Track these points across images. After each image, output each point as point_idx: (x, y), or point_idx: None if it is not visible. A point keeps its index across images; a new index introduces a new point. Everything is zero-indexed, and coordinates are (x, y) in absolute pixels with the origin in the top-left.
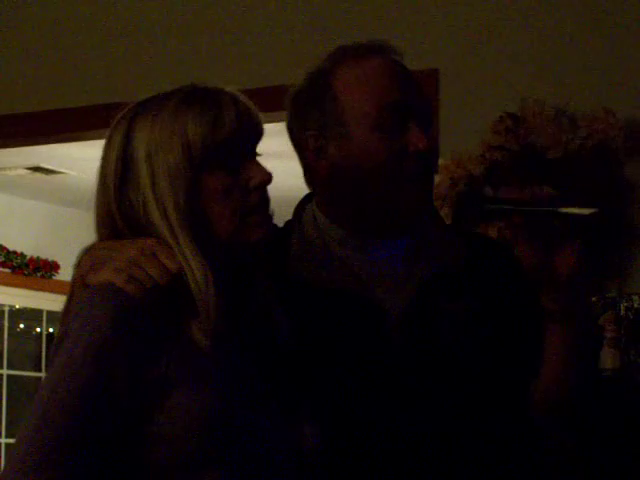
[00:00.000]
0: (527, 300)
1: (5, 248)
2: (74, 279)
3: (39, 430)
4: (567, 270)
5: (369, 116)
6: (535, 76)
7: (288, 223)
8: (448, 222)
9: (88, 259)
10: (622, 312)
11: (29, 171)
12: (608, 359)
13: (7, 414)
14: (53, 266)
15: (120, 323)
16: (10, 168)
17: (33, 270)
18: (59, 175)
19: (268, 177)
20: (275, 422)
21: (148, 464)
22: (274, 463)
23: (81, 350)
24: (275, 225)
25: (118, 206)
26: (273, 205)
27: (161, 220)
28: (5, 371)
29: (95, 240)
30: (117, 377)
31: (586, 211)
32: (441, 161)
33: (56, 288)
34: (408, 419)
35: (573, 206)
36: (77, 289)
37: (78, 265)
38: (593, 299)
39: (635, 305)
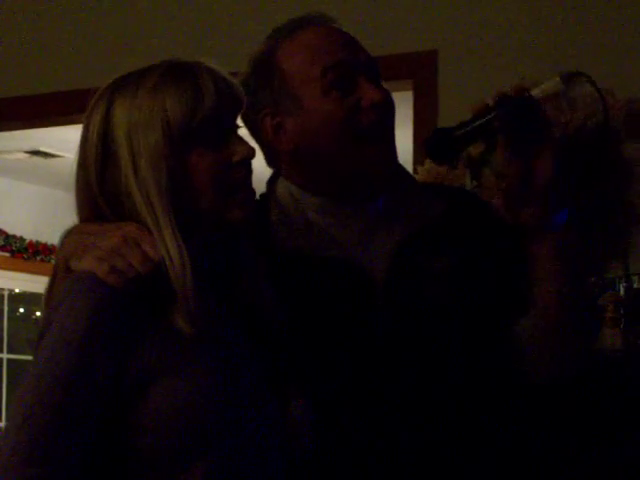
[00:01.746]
0: (509, 244)
1: (4, 232)
2: (57, 262)
3: (24, 425)
4: (544, 178)
5: (317, 81)
6: (534, 58)
7: (263, 196)
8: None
9: (71, 242)
10: (621, 293)
11: (28, 155)
12: (607, 339)
13: (7, 398)
14: (52, 250)
15: (102, 315)
16: (9, 152)
17: (32, 254)
18: (58, 159)
19: (251, 152)
20: (264, 401)
21: (135, 455)
22: (263, 445)
23: (63, 343)
24: None
25: (100, 188)
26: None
27: (143, 202)
28: (5, 355)
29: (76, 221)
30: (100, 369)
31: (555, 80)
32: None
33: None
34: (398, 385)
35: (540, 86)
36: (60, 273)
37: (61, 247)
38: (592, 280)
39: (635, 286)
